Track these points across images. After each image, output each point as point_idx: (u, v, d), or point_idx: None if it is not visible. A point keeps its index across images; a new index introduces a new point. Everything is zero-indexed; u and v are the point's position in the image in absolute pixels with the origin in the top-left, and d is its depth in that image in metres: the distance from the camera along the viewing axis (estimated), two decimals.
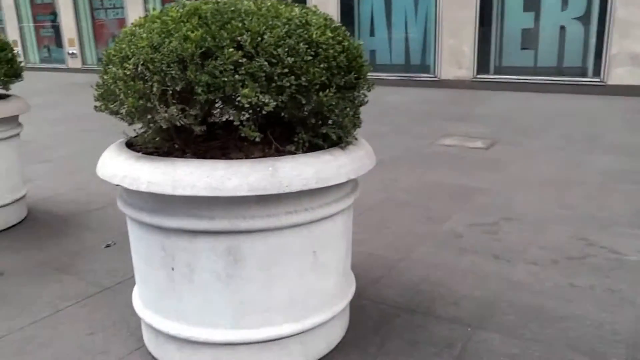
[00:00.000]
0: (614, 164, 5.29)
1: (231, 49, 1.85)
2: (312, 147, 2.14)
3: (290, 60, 1.90)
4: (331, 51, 2.02)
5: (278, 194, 1.94)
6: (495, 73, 10.59)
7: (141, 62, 1.86)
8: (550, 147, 6.04)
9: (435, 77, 11.11)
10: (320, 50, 2.00)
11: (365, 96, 2.28)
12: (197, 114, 1.92)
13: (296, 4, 2.18)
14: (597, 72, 9.63)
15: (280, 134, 2.18)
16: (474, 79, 10.66)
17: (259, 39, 1.89)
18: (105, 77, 2.14)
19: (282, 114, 2.07)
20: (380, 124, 7.48)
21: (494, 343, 2.46)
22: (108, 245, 3.65)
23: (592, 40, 9.67)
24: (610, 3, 9.30)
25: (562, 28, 9.92)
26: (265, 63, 1.88)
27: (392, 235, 3.68)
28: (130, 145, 2.30)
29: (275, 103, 1.90)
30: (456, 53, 10.78)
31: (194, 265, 2.06)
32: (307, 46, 1.96)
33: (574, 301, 2.79)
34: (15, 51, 3.95)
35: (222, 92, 1.87)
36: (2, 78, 3.79)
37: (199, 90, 1.84)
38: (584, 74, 9.82)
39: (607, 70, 9.46)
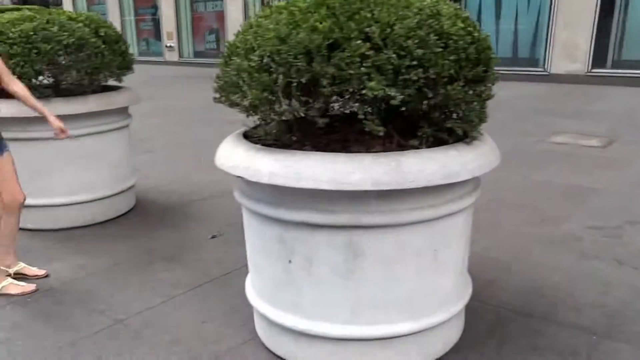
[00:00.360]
0: None
1: (359, 41, 1.80)
2: (435, 142, 2.06)
3: (419, 52, 1.83)
4: (461, 42, 1.94)
5: (401, 189, 1.88)
6: (614, 67, 9.95)
7: (267, 54, 1.85)
8: None
9: (545, 71, 10.60)
10: (451, 41, 1.92)
11: (491, 90, 2.17)
12: (320, 106, 1.89)
13: None
14: None
15: (402, 128, 2.12)
16: (588, 74, 10.08)
17: (389, 30, 1.84)
18: (226, 69, 2.16)
19: (404, 108, 2.01)
20: None
21: (622, 354, 2.29)
22: (214, 237, 3.72)
23: None
24: None
25: None
26: (394, 55, 1.82)
27: (504, 236, 3.52)
28: (246, 137, 2.31)
29: (402, 97, 1.84)
30: (570, 46, 10.22)
31: (312, 259, 2.04)
32: (437, 37, 1.88)
33: None
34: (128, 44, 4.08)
35: (348, 84, 1.82)
36: (115, 70, 3.92)
37: (325, 82, 1.81)
38: None
39: None
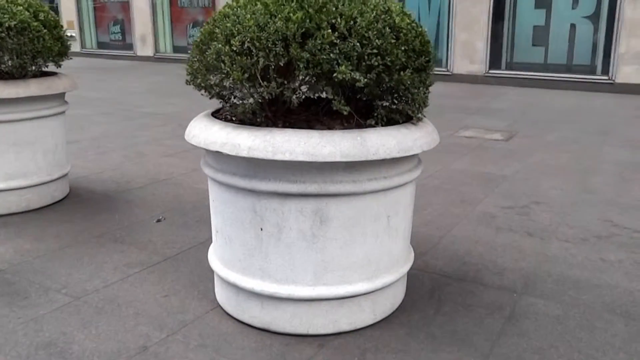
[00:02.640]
0: (627, 156, 5.55)
1: (329, 31, 2.06)
2: (388, 122, 2.35)
3: (378, 42, 2.12)
4: (410, 35, 2.24)
5: (363, 161, 2.16)
6: (507, 69, 10.84)
7: (247, 40, 2.07)
8: (566, 140, 6.29)
9: (448, 71, 11.34)
10: (401, 34, 2.22)
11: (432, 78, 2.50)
12: (295, 87, 2.13)
13: None
14: (605, 71, 9.91)
15: (356, 109, 2.40)
16: (486, 74, 10.90)
17: (352, 22, 2.11)
18: (195, 56, 2.36)
19: (363, 91, 2.29)
20: None
21: (538, 306, 2.69)
22: (159, 220, 3.84)
23: (601, 38, 9.97)
24: (619, 3, 9.58)
25: (572, 26, 10.19)
26: (358, 44, 2.09)
27: (431, 216, 3.90)
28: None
29: (365, 80, 2.11)
30: (469, 48, 11.01)
31: (282, 225, 2.27)
32: (390, 30, 2.18)
33: (606, 272, 3.04)
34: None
35: (320, 68, 2.08)
36: (55, 56, 3.93)
37: (301, 66, 2.05)
38: (593, 72, 10.10)
39: (615, 68, 9.73)
